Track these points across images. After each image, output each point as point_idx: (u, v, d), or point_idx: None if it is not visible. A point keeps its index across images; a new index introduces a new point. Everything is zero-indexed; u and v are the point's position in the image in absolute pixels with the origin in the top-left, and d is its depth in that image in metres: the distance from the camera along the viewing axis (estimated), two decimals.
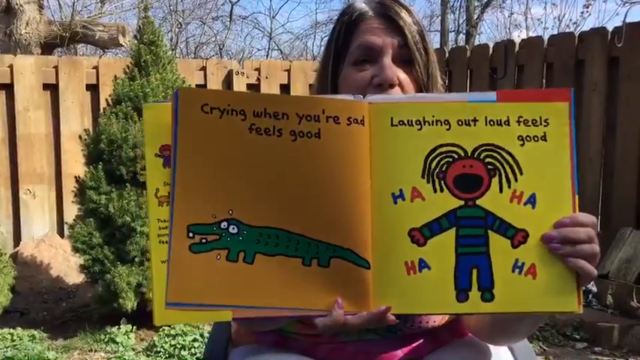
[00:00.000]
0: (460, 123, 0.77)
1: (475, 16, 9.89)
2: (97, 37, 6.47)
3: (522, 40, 4.78)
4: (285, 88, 4.86)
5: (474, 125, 0.77)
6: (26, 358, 2.69)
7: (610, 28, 4.05)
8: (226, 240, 0.76)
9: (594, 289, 3.41)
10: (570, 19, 10.21)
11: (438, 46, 7.27)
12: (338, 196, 0.77)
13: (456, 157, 0.78)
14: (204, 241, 0.75)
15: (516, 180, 0.77)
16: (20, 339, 2.95)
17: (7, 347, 2.86)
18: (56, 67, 4.35)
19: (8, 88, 4.27)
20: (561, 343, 3.07)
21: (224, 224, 0.76)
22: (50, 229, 4.33)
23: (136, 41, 3.40)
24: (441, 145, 0.78)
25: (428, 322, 1.02)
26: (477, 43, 8.85)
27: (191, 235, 0.75)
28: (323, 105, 0.77)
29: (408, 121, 0.78)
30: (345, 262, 0.77)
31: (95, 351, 2.90)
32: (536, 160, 0.77)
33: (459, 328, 1.07)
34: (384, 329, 1.02)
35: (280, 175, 0.76)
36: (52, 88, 4.36)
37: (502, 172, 0.77)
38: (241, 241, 0.76)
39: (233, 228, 0.76)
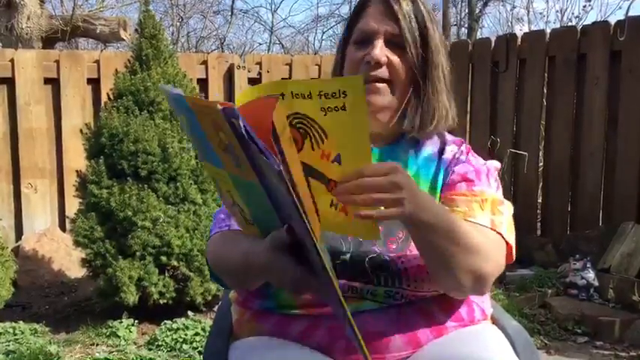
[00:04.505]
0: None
1: (477, 10, 9.86)
2: (98, 31, 6.46)
3: (524, 33, 4.77)
4: None
5: (288, 99, 0.88)
6: (28, 352, 2.69)
7: (612, 22, 4.03)
8: None
9: (596, 283, 3.41)
10: (572, 13, 10.19)
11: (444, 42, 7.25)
12: None
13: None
14: None
15: (323, 142, 0.90)
16: (22, 333, 2.95)
17: (9, 341, 2.86)
18: (57, 61, 4.35)
19: (9, 82, 4.26)
20: (563, 337, 3.07)
21: None
22: (52, 223, 4.33)
23: (137, 35, 3.39)
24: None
25: (416, 288, 1.06)
26: (478, 36, 8.83)
27: None
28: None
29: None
30: None
31: (97, 345, 2.90)
32: (338, 127, 0.88)
33: (452, 309, 1.10)
34: (382, 295, 1.06)
35: None
36: (54, 82, 4.36)
37: (311, 135, 0.90)
38: None
39: None
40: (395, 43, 1.11)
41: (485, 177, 1.14)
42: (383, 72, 1.10)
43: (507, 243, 1.06)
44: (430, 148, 1.18)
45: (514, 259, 1.09)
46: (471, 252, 0.98)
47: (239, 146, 0.81)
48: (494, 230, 1.05)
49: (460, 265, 0.98)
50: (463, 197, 1.09)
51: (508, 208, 1.11)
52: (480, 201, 1.08)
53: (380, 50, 1.10)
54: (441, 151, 1.18)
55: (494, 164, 1.20)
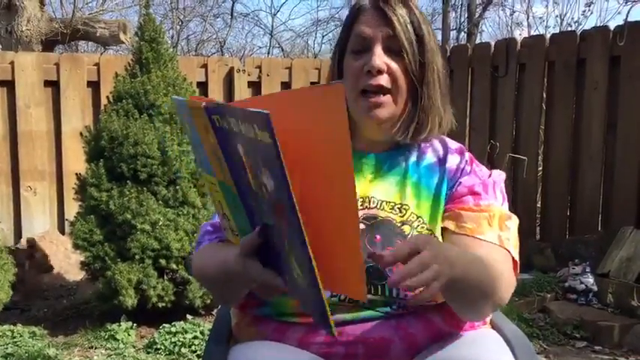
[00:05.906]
0: None
1: (477, 15, 9.87)
2: (98, 34, 6.46)
3: (524, 38, 4.78)
4: (286, 85, 4.86)
5: None
6: (26, 354, 2.69)
7: (612, 27, 4.04)
8: None
9: (595, 287, 3.41)
10: (572, 18, 10.20)
11: (439, 45, 7.26)
12: None
13: None
14: None
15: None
16: (21, 336, 2.95)
17: (8, 344, 2.86)
18: (57, 64, 4.35)
19: (9, 84, 4.27)
20: (562, 341, 3.07)
21: None
22: (51, 226, 4.33)
23: (137, 38, 3.40)
24: None
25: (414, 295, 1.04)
26: (478, 41, 8.83)
27: None
28: None
29: None
30: None
31: (95, 348, 2.90)
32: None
33: (452, 317, 1.10)
34: (380, 304, 1.06)
35: None
36: (53, 85, 4.36)
37: None
38: None
39: None
40: (393, 49, 1.09)
41: (491, 190, 1.13)
42: (384, 79, 1.09)
43: (513, 259, 1.07)
44: (431, 156, 1.17)
45: (518, 274, 1.10)
46: (495, 289, 1.01)
47: (218, 146, 0.80)
48: (502, 247, 1.06)
49: (486, 304, 1.03)
50: (471, 213, 1.09)
51: (514, 222, 1.11)
52: (487, 217, 1.07)
53: (379, 58, 1.08)
54: (444, 160, 1.17)
55: (500, 175, 1.19)
